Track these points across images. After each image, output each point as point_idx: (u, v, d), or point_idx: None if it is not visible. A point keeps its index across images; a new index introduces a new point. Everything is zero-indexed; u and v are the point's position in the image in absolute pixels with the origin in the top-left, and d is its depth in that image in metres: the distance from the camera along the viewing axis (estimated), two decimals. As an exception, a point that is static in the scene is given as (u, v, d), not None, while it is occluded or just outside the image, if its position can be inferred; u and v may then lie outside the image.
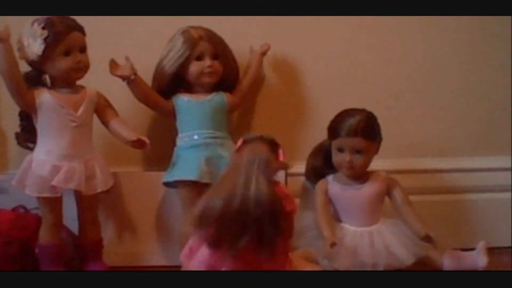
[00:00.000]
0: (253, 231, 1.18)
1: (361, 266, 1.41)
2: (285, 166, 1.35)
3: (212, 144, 1.50)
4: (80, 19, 1.42)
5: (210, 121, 1.52)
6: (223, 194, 1.21)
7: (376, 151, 1.48)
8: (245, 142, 1.28)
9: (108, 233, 1.54)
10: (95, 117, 1.47)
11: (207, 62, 1.51)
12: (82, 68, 1.42)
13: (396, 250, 1.43)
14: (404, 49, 1.66)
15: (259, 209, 1.19)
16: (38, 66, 1.41)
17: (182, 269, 1.27)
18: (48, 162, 1.39)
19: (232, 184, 1.21)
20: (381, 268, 1.41)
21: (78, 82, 1.45)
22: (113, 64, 1.47)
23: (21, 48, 1.39)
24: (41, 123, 1.41)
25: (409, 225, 1.44)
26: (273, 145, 1.28)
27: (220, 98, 1.54)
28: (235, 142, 1.55)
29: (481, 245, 1.45)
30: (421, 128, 1.69)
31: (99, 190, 1.44)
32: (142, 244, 1.56)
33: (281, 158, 1.28)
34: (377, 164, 1.50)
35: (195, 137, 1.51)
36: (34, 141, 1.43)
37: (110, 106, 1.48)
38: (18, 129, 1.48)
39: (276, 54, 1.63)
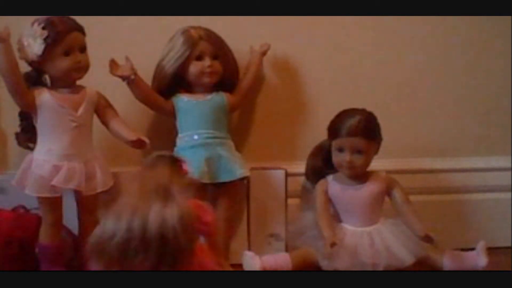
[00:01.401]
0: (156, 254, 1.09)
1: (361, 266, 1.41)
2: (190, 180, 1.23)
3: (212, 144, 1.50)
4: (80, 19, 1.42)
5: (210, 121, 1.52)
6: (115, 219, 1.13)
7: (376, 151, 1.48)
8: (145, 167, 1.20)
9: (108, 233, 1.54)
10: (95, 117, 1.47)
11: (207, 62, 1.51)
12: (82, 68, 1.42)
13: (396, 250, 1.43)
14: (404, 49, 1.66)
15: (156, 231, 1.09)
16: (38, 66, 1.41)
17: None
18: (48, 162, 1.39)
19: (128, 211, 1.13)
20: (381, 268, 1.41)
21: (78, 82, 1.45)
22: (113, 64, 1.47)
23: (21, 48, 1.39)
24: (41, 123, 1.41)
25: (409, 225, 1.44)
26: (174, 161, 1.21)
27: (220, 98, 1.54)
28: (235, 142, 1.56)
29: (481, 245, 1.46)
30: (421, 128, 1.69)
31: (99, 190, 1.44)
32: (142, 244, 1.56)
33: (185, 168, 1.21)
34: (377, 164, 1.50)
35: (195, 137, 1.51)
36: (34, 141, 1.43)
37: (110, 106, 1.48)
38: (18, 129, 1.48)
39: (276, 54, 1.63)
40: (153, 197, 1.12)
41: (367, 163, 1.47)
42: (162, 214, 1.10)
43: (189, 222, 1.12)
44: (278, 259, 1.47)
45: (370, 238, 1.45)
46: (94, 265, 1.16)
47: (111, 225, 1.14)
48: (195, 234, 1.16)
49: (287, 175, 1.57)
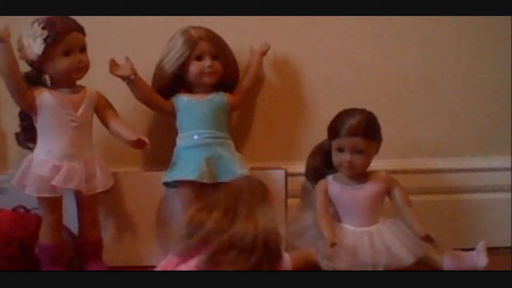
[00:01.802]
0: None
1: (361, 266, 1.41)
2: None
3: (212, 144, 1.50)
4: (80, 19, 1.42)
5: (210, 121, 1.52)
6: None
7: (376, 151, 1.48)
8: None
9: (108, 233, 1.54)
10: (95, 117, 1.47)
11: (207, 62, 1.51)
12: (82, 68, 1.42)
13: (396, 250, 1.43)
14: (404, 49, 1.66)
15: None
16: (38, 66, 1.41)
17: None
18: (48, 162, 1.39)
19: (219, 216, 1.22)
20: (381, 268, 1.41)
21: (78, 82, 1.45)
22: (113, 64, 1.47)
23: (21, 48, 1.39)
24: (41, 123, 1.41)
25: (409, 225, 1.44)
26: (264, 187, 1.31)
27: (220, 98, 1.54)
28: (235, 142, 1.56)
29: (481, 245, 1.45)
30: (421, 128, 1.69)
31: (99, 190, 1.44)
32: (142, 244, 1.56)
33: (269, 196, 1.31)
34: (377, 164, 1.50)
35: (195, 137, 1.51)
36: (34, 141, 1.43)
37: (110, 106, 1.48)
38: (18, 129, 1.48)
39: (276, 54, 1.63)
40: (258, 210, 1.24)
41: (367, 163, 1.47)
42: (269, 226, 1.23)
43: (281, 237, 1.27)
44: (278, 259, 1.47)
45: (370, 238, 1.45)
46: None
47: (212, 223, 1.22)
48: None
49: (287, 175, 1.57)
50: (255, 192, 1.26)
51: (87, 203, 1.45)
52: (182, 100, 1.53)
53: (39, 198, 1.40)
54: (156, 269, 1.26)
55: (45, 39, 1.36)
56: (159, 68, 1.53)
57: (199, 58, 1.51)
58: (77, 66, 1.41)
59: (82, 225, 1.47)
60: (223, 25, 1.56)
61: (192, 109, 1.52)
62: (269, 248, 1.20)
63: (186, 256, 1.22)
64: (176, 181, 1.48)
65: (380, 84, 1.67)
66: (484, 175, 1.67)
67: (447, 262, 1.45)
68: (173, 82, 1.54)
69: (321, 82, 1.66)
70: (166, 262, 1.26)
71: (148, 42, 1.59)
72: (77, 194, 1.44)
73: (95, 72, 1.45)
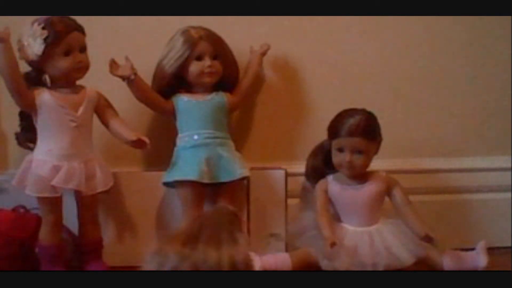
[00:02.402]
0: None
1: (361, 266, 1.41)
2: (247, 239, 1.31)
3: (212, 144, 1.50)
4: (80, 19, 1.42)
5: (210, 121, 1.52)
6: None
7: (376, 151, 1.48)
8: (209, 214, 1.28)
9: (108, 233, 1.54)
10: (95, 117, 1.47)
11: (207, 62, 1.51)
12: (82, 68, 1.42)
13: (396, 250, 1.43)
14: (404, 49, 1.66)
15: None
16: (38, 66, 1.41)
17: None
18: (48, 162, 1.39)
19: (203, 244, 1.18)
20: (381, 268, 1.41)
21: (78, 82, 1.45)
22: (113, 64, 1.47)
23: (21, 48, 1.39)
24: (41, 123, 1.41)
25: (409, 225, 1.44)
26: (236, 216, 1.26)
27: (220, 98, 1.54)
28: (235, 142, 1.56)
29: (481, 245, 1.45)
30: (421, 128, 1.69)
31: (99, 190, 1.44)
32: (142, 244, 1.56)
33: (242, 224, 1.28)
34: (377, 164, 1.50)
35: (195, 137, 1.50)
36: (34, 141, 1.43)
37: (110, 106, 1.48)
38: (18, 129, 1.48)
39: (276, 54, 1.63)
40: (222, 237, 1.18)
41: (367, 163, 1.47)
42: (234, 252, 1.16)
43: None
44: (278, 259, 1.47)
45: (370, 238, 1.45)
46: None
47: (173, 256, 1.17)
48: None
49: (287, 175, 1.57)
50: (221, 218, 1.23)
51: (87, 203, 1.45)
52: (182, 100, 1.53)
53: (39, 198, 1.40)
54: None
55: (45, 39, 1.36)
56: (159, 68, 1.53)
57: (199, 58, 1.51)
58: (77, 66, 1.41)
59: (82, 225, 1.47)
60: (223, 25, 1.56)
61: (192, 109, 1.52)
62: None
63: None
64: (176, 181, 1.48)
65: (380, 84, 1.67)
66: (484, 175, 1.67)
67: (447, 262, 1.45)
68: (173, 82, 1.54)
69: (321, 82, 1.66)
70: None
71: (148, 42, 1.59)
72: (77, 194, 1.44)
73: (95, 72, 1.45)
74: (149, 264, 1.17)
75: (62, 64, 1.39)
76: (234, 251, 1.16)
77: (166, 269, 1.15)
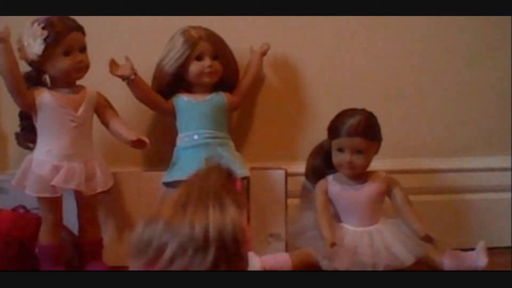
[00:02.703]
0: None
1: (361, 266, 1.41)
2: (241, 201, 1.17)
3: (212, 144, 1.50)
4: (80, 19, 1.42)
5: (210, 121, 1.52)
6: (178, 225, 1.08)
7: (376, 151, 1.48)
8: (197, 175, 1.17)
9: (108, 233, 1.54)
10: (95, 117, 1.47)
11: (207, 62, 1.51)
12: (82, 68, 1.42)
13: (396, 250, 1.43)
14: (404, 49, 1.66)
15: (223, 243, 1.07)
16: (38, 66, 1.41)
17: None
18: (48, 162, 1.39)
19: (189, 216, 1.08)
20: (381, 268, 1.41)
21: (78, 82, 1.45)
22: (113, 64, 1.47)
23: (21, 48, 1.39)
24: (41, 123, 1.41)
25: (409, 225, 1.44)
26: (229, 175, 1.17)
27: (220, 98, 1.54)
28: (235, 142, 1.56)
29: (481, 245, 1.45)
30: (421, 128, 1.69)
31: (99, 190, 1.44)
32: (142, 244, 1.56)
33: (238, 187, 1.16)
34: (377, 164, 1.50)
35: (195, 137, 1.51)
36: (34, 141, 1.43)
37: (110, 106, 1.48)
38: (18, 129, 1.48)
39: (276, 54, 1.63)
40: (209, 203, 1.09)
41: (367, 163, 1.47)
42: (222, 220, 1.07)
43: (243, 231, 1.10)
44: (278, 259, 1.47)
45: (370, 238, 1.45)
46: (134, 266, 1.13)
47: (162, 231, 1.10)
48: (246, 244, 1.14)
49: (287, 175, 1.57)
50: (209, 179, 1.14)
51: (87, 203, 1.45)
52: (182, 100, 1.53)
53: (39, 198, 1.40)
54: None
55: (45, 39, 1.36)
56: (159, 68, 1.53)
57: (199, 58, 1.51)
58: (77, 66, 1.41)
59: (82, 225, 1.47)
60: (223, 25, 1.56)
61: (192, 109, 1.52)
62: (224, 245, 1.07)
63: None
64: (176, 181, 1.48)
65: (380, 84, 1.67)
66: (484, 175, 1.67)
67: (447, 262, 1.45)
68: (173, 82, 1.54)
69: (321, 82, 1.66)
70: None
71: (148, 42, 1.59)
72: (77, 194, 1.44)
73: (95, 72, 1.45)
74: (139, 236, 1.11)
75: (62, 64, 1.39)
76: (221, 221, 1.08)
77: (153, 247, 1.09)
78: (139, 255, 1.12)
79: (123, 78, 1.48)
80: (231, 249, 1.09)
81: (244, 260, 1.13)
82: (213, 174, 1.15)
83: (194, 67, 1.51)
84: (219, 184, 1.13)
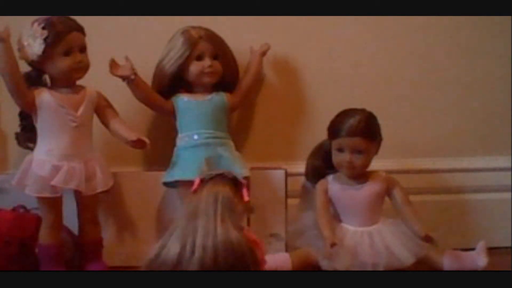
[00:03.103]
0: None
1: (361, 266, 1.41)
2: (250, 209, 1.20)
3: (212, 144, 1.50)
4: (80, 19, 1.42)
5: (210, 121, 1.52)
6: (179, 243, 1.08)
7: (376, 151, 1.48)
8: (202, 181, 1.16)
9: (108, 233, 1.54)
10: (95, 117, 1.47)
11: (207, 62, 1.51)
12: (82, 68, 1.42)
13: (396, 250, 1.43)
14: (404, 49, 1.66)
15: (228, 261, 1.06)
16: (38, 66, 1.41)
17: None
18: (48, 162, 1.39)
19: (190, 232, 1.08)
20: (381, 268, 1.41)
21: (78, 82, 1.45)
22: (113, 64, 1.47)
23: (21, 48, 1.39)
24: (41, 123, 1.41)
25: (409, 225, 1.44)
26: (236, 184, 1.16)
27: (220, 98, 1.54)
28: (235, 142, 1.56)
29: (481, 245, 1.45)
30: (421, 128, 1.69)
31: (99, 190, 1.44)
32: (142, 244, 1.56)
33: (245, 198, 1.15)
34: (377, 164, 1.50)
35: (195, 137, 1.51)
36: (34, 141, 1.43)
37: (110, 106, 1.48)
38: (18, 129, 1.48)
39: (276, 54, 1.63)
40: (215, 212, 1.10)
41: (367, 163, 1.47)
42: (226, 231, 1.08)
43: (251, 251, 1.11)
44: (278, 259, 1.47)
45: (370, 238, 1.45)
46: None
47: (168, 243, 1.11)
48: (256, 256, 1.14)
49: (287, 175, 1.57)
50: (219, 200, 1.14)
51: (87, 203, 1.45)
52: (182, 100, 1.53)
53: (39, 198, 1.40)
54: None
55: (45, 39, 1.36)
56: (159, 68, 1.53)
57: (199, 58, 1.51)
58: (77, 66, 1.41)
59: (82, 225, 1.47)
60: (223, 25, 1.56)
61: (192, 109, 1.52)
62: (236, 269, 1.08)
63: None
64: (176, 181, 1.48)
65: (380, 84, 1.67)
66: (484, 175, 1.67)
67: (447, 262, 1.45)
68: (173, 82, 1.54)
69: (321, 82, 1.66)
70: None
71: (148, 42, 1.59)
72: (77, 194, 1.44)
73: (95, 72, 1.45)
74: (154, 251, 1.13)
75: (62, 64, 1.39)
76: (226, 236, 1.09)
77: (167, 261, 1.10)
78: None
79: (123, 78, 1.48)
80: (241, 269, 1.09)
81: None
82: (221, 182, 1.16)
83: (194, 67, 1.51)
84: (230, 195, 1.14)
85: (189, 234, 1.09)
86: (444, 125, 1.69)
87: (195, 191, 1.15)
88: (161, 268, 1.11)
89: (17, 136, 1.49)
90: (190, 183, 1.44)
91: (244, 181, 1.17)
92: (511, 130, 1.68)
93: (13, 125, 1.50)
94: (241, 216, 1.14)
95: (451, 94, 1.68)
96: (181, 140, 1.53)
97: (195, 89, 1.54)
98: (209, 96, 1.53)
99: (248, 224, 1.57)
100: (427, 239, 1.40)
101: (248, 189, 1.18)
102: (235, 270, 1.08)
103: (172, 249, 1.10)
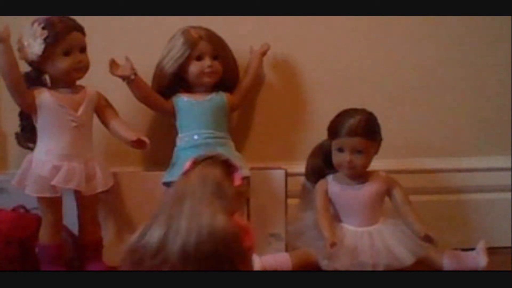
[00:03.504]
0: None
1: (361, 266, 1.41)
2: (243, 194, 1.15)
3: (212, 144, 1.50)
4: (80, 19, 1.42)
5: (210, 121, 1.52)
6: (163, 226, 1.04)
7: (376, 151, 1.48)
8: (194, 163, 1.11)
9: (108, 233, 1.54)
10: (95, 117, 1.47)
11: (207, 62, 1.51)
12: (82, 68, 1.42)
13: (396, 250, 1.43)
14: (404, 49, 1.66)
15: (210, 246, 1.01)
16: (38, 66, 1.41)
17: None
18: (48, 162, 1.39)
19: (175, 214, 1.04)
20: (381, 268, 1.41)
21: (78, 82, 1.45)
22: (113, 64, 1.47)
23: (21, 48, 1.39)
24: (41, 123, 1.41)
25: (409, 225, 1.44)
26: (228, 167, 1.11)
27: (220, 98, 1.54)
28: (235, 142, 1.56)
29: (481, 245, 1.46)
30: (421, 128, 1.69)
31: (99, 190, 1.44)
32: (142, 244, 1.56)
33: (236, 182, 1.10)
34: (377, 164, 1.50)
35: (195, 137, 1.51)
36: (34, 141, 1.43)
37: (110, 106, 1.48)
38: (18, 129, 1.48)
39: (276, 54, 1.63)
40: (203, 195, 1.06)
41: (367, 163, 1.47)
42: (212, 216, 1.03)
43: (237, 233, 1.07)
44: (278, 259, 1.47)
45: (370, 238, 1.45)
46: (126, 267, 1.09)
47: (152, 227, 1.07)
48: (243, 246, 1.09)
49: (287, 175, 1.57)
50: (207, 182, 1.08)
51: (87, 203, 1.45)
52: (182, 100, 1.53)
53: (39, 198, 1.40)
54: None
55: (45, 39, 1.36)
56: (159, 68, 1.53)
57: (199, 58, 1.51)
58: (77, 66, 1.41)
59: (82, 225, 1.47)
60: (223, 25, 1.56)
61: (192, 109, 1.52)
62: (219, 254, 1.03)
63: None
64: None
65: (380, 84, 1.67)
66: (484, 175, 1.67)
67: (447, 262, 1.45)
68: (173, 82, 1.54)
69: (321, 82, 1.66)
70: None
71: (148, 42, 1.59)
72: (77, 194, 1.44)
73: (95, 72, 1.45)
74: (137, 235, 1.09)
75: (62, 64, 1.39)
76: (212, 219, 1.04)
77: (150, 244, 1.06)
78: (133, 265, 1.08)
79: (123, 78, 1.48)
80: (226, 258, 1.04)
81: (246, 262, 1.09)
82: (211, 165, 1.10)
83: (194, 67, 1.51)
84: (219, 177, 1.09)
85: (174, 217, 1.05)
86: (444, 125, 1.69)
87: (186, 173, 1.10)
88: (144, 252, 1.06)
89: (17, 136, 1.49)
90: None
91: (236, 164, 1.13)
92: (511, 130, 1.68)
93: (13, 125, 1.50)
94: (232, 201, 1.08)
95: (451, 94, 1.68)
96: (181, 140, 1.53)
97: (195, 89, 1.54)
98: (209, 96, 1.53)
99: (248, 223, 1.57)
100: (427, 239, 1.40)
101: (248, 183, 1.16)
102: (217, 256, 1.03)
103: (157, 232, 1.05)
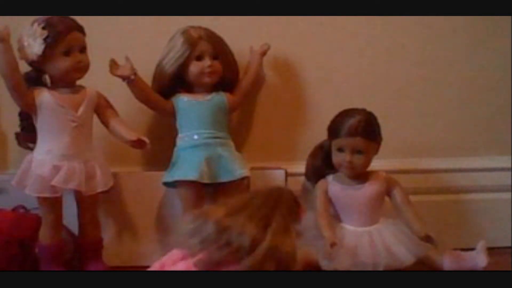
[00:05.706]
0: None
1: (361, 266, 1.41)
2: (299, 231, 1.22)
3: (212, 144, 1.50)
4: (80, 19, 1.42)
5: (210, 121, 1.52)
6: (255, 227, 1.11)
7: (376, 151, 1.48)
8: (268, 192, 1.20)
9: (108, 233, 1.54)
10: (95, 117, 1.47)
11: (207, 62, 1.51)
12: (82, 68, 1.42)
13: (396, 250, 1.43)
14: (404, 49, 1.66)
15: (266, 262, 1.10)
16: (38, 66, 1.41)
17: None
18: (48, 162, 1.39)
19: (246, 219, 1.12)
20: (381, 268, 1.41)
21: (78, 82, 1.45)
22: (113, 64, 1.47)
23: (21, 48, 1.39)
24: (41, 123, 1.41)
25: (409, 225, 1.44)
26: (296, 203, 1.21)
27: (220, 98, 1.54)
28: (235, 142, 1.56)
29: (481, 245, 1.45)
30: (421, 128, 1.69)
31: (99, 190, 1.44)
32: (142, 244, 1.56)
33: (301, 215, 1.21)
34: (377, 164, 1.50)
35: (195, 137, 1.51)
36: (34, 141, 1.43)
37: (110, 106, 1.48)
38: (18, 129, 1.48)
39: (276, 54, 1.63)
40: (272, 220, 1.14)
41: (367, 163, 1.47)
42: (277, 246, 1.11)
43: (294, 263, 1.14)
44: (278, 259, 1.46)
45: (370, 238, 1.45)
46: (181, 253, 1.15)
47: (219, 219, 1.13)
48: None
49: (287, 175, 1.57)
50: (280, 200, 1.19)
51: (87, 203, 1.45)
52: (182, 100, 1.53)
53: (39, 198, 1.40)
54: (154, 265, 1.24)
55: (45, 39, 1.36)
56: (159, 68, 1.53)
57: (199, 58, 1.51)
58: (77, 66, 1.41)
59: (82, 225, 1.47)
60: (223, 25, 1.56)
61: (192, 109, 1.52)
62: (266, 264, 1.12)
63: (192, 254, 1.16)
64: (176, 181, 1.48)
65: (380, 84, 1.67)
66: (484, 175, 1.67)
67: (447, 262, 1.45)
68: (173, 82, 1.54)
69: (321, 82, 1.66)
70: (168, 257, 1.23)
71: (148, 42, 1.59)
72: (77, 194, 1.44)
73: (95, 72, 1.45)
74: (188, 225, 1.15)
75: (62, 64, 1.39)
76: (281, 240, 1.12)
77: (202, 235, 1.12)
78: (180, 244, 1.14)
79: (123, 78, 1.48)
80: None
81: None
82: (285, 195, 1.20)
83: (194, 67, 1.51)
84: (287, 207, 1.18)
85: (242, 223, 1.12)
86: (444, 125, 1.69)
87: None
88: (201, 237, 1.13)
89: (17, 136, 1.49)
90: (190, 183, 1.45)
91: (302, 206, 1.24)
92: (511, 130, 1.68)
93: (13, 125, 1.50)
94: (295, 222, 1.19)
95: (451, 94, 1.68)
96: (181, 140, 1.53)
97: (195, 89, 1.54)
98: (209, 96, 1.53)
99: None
100: (427, 239, 1.40)
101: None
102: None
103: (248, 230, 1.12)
